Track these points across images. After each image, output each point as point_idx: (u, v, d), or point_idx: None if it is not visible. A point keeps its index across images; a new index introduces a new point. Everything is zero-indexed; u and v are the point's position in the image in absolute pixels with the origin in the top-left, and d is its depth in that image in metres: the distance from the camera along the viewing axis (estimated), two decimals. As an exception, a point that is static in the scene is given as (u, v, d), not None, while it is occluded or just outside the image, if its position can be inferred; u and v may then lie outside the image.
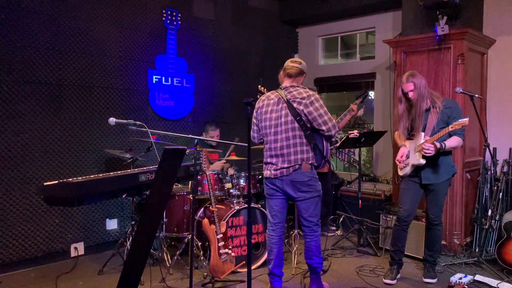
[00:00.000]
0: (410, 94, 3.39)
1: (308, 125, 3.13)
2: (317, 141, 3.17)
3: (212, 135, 4.58)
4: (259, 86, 4.02)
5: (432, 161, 3.40)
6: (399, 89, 3.49)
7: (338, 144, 4.57)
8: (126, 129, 4.47)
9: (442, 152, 3.36)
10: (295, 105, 3.12)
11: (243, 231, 3.85)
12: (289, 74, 3.24)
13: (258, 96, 4.02)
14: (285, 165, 3.15)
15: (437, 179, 3.44)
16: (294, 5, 6.09)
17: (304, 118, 3.11)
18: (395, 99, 3.68)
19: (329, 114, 3.16)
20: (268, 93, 3.34)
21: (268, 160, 3.25)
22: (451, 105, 3.43)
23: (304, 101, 3.10)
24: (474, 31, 4.24)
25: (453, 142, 3.34)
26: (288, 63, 3.29)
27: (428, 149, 3.28)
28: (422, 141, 3.35)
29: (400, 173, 3.60)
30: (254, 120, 3.38)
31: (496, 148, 4.38)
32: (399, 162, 3.55)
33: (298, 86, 3.22)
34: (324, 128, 3.11)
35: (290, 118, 3.12)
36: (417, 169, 3.46)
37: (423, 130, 3.41)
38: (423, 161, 3.36)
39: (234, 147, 4.52)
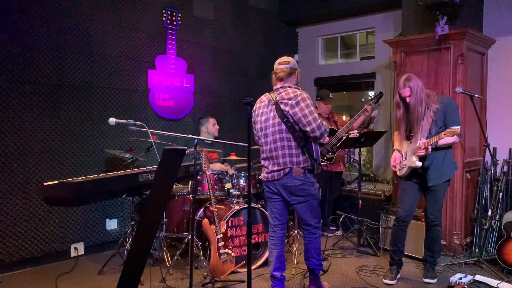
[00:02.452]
0: (408, 99, 3.39)
1: (296, 127, 3.03)
2: (306, 144, 3.07)
3: (212, 122, 4.57)
4: None
5: (435, 162, 3.40)
6: (396, 94, 3.49)
7: (338, 145, 4.56)
8: (126, 129, 4.47)
9: (442, 149, 3.39)
10: (282, 106, 3.03)
11: (243, 231, 3.85)
12: (280, 78, 3.13)
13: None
14: (275, 168, 3.10)
15: (440, 179, 3.44)
16: (294, 5, 6.09)
17: (291, 120, 3.01)
18: (394, 103, 3.67)
19: (315, 114, 3.02)
20: (262, 96, 3.28)
21: (262, 162, 3.25)
22: (446, 102, 3.41)
23: (290, 101, 3.00)
24: (474, 31, 4.24)
25: (447, 139, 3.31)
26: (277, 65, 3.17)
27: (420, 153, 3.33)
28: (418, 143, 3.36)
29: (398, 173, 3.61)
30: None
31: (496, 148, 4.38)
32: (394, 167, 3.58)
33: (289, 87, 3.11)
34: (308, 129, 2.99)
35: (277, 120, 3.05)
36: (420, 170, 3.45)
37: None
38: (419, 164, 3.36)
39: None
